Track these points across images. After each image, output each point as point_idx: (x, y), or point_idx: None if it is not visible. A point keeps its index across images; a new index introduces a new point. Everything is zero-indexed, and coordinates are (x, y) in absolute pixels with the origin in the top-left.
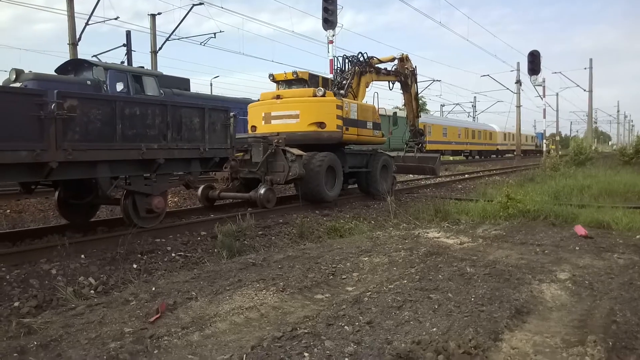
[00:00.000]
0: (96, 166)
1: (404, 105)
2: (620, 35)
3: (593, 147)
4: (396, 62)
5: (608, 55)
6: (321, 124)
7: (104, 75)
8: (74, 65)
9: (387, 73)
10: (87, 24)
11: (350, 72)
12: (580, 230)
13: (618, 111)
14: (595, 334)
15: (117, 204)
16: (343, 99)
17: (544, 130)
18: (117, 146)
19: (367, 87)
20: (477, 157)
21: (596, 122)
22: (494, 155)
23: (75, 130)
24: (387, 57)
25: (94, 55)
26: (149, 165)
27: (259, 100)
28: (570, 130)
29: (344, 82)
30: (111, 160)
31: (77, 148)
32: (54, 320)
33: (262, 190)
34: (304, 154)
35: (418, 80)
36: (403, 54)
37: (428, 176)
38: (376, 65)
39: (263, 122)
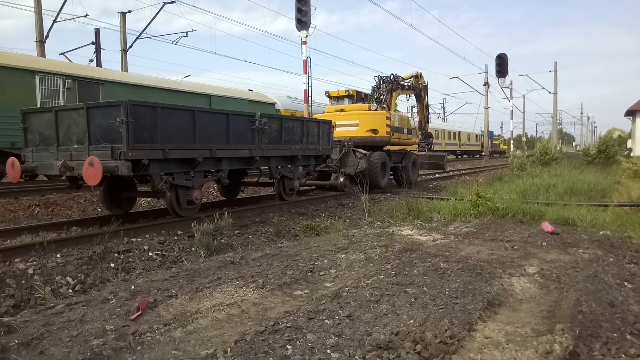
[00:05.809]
0: (270, 159)
1: (417, 113)
2: (582, 39)
3: (558, 148)
4: (412, 78)
5: (572, 58)
6: (375, 131)
7: None
8: None
9: (408, 88)
10: (55, 21)
11: (385, 89)
12: (547, 226)
13: (582, 113)
14: (563, 324)
15: (269, 185)
16: (390, 111)
17: (512, 131)
18: (282, 147)
19: (395, 100)
20: None
21: (561, 124)
22: None
23: (265, 136)
24: (407, 74)
25: (61, 53)
26: (292, 159)
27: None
28: (536, 131)
29: (381, 97)
30: (278, 156)
31: (267, 148)
32: (33, 319)
33: (341, 179)
34: (367, 152)
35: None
36: (418, 71)
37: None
38: (401, 83)
39: None
